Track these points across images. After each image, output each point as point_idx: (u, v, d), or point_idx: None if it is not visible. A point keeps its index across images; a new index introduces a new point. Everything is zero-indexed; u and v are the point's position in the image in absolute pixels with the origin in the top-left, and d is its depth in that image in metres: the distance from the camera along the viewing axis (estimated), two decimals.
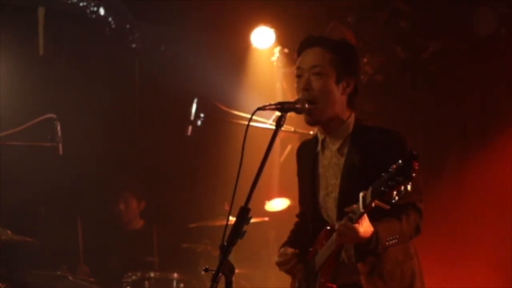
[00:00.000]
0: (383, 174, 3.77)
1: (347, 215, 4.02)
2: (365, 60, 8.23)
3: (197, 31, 8.89)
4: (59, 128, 7.11)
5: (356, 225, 3.99)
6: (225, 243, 3.73)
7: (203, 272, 7.82)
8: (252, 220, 3.80)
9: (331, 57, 4.32)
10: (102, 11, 8.94)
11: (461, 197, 7.92)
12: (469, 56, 8.07)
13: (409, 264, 4.35)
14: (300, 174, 4.68)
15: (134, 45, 9.25)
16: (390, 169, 3.74)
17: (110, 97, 9.00)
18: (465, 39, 8.04)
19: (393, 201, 3.79)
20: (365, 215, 4.01)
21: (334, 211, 4.34)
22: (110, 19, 9.00)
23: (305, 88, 4.30)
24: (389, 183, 3.74)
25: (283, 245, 4.65)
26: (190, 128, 7.78)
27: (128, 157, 9.29)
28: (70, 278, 7.62)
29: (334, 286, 4.26)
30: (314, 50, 4.36)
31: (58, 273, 7.65)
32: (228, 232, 3.76)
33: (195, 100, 7.75)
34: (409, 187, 3.73)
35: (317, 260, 4.35)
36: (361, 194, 3.93)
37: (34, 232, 7.81)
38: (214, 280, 3.66)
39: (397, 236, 4.15)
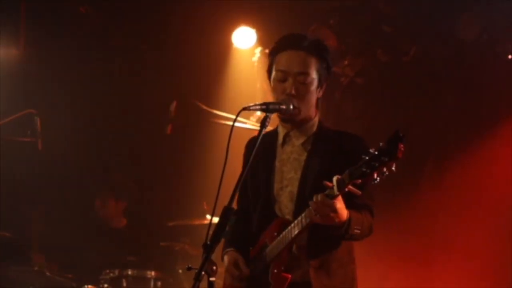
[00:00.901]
0: (363, 156, 3.79)
1: (323, 194, 3.99)
2: (346, 62, 8.27)
3: (178, 30, 8.89)
4: (39, 123, 7.11)
5: (334, 201, 3.97)
6: (208, 242, 3.75)
7: (180, 271, 7.84)
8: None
9: (316, 64, 4.37)
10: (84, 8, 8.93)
11: (439, 200, 7.99)
12: (450, 60, 8.14)
13: (350, 267, 4.41)
14: (246, 168, 4.65)
15: (115, 43, 9.23)
16: (370, 151, 3.76)
17: (90, 94, 8.96)
18: (447, 44, 8.09)
19: (374, 182, 3.79)
20: (340, 197, 3.99)
21: (288, 205, 4.37)
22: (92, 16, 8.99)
23: (291, 94, 4.33)
24: (372, 163, 3.74)
25: (226, 246, 4.57)
26: (170, 126, 7.78)
27: (107, 154, 9.26)
28: (48, 273, 7.60)
29: (289, 276, 4.27)
30: (299, 54, 4.38)
31: (36, 268, 7.62)
32: (210, 231, 3.78)
33: (175, 99, 7.76)
34: (393, 168, 3.73)
35: (269, 251, 4.35)
36: (335, 178, 3.94)
37: (11, 227, 7.79)
38: (197, 278, 3.68)
39: (360, 227, 4.18)
